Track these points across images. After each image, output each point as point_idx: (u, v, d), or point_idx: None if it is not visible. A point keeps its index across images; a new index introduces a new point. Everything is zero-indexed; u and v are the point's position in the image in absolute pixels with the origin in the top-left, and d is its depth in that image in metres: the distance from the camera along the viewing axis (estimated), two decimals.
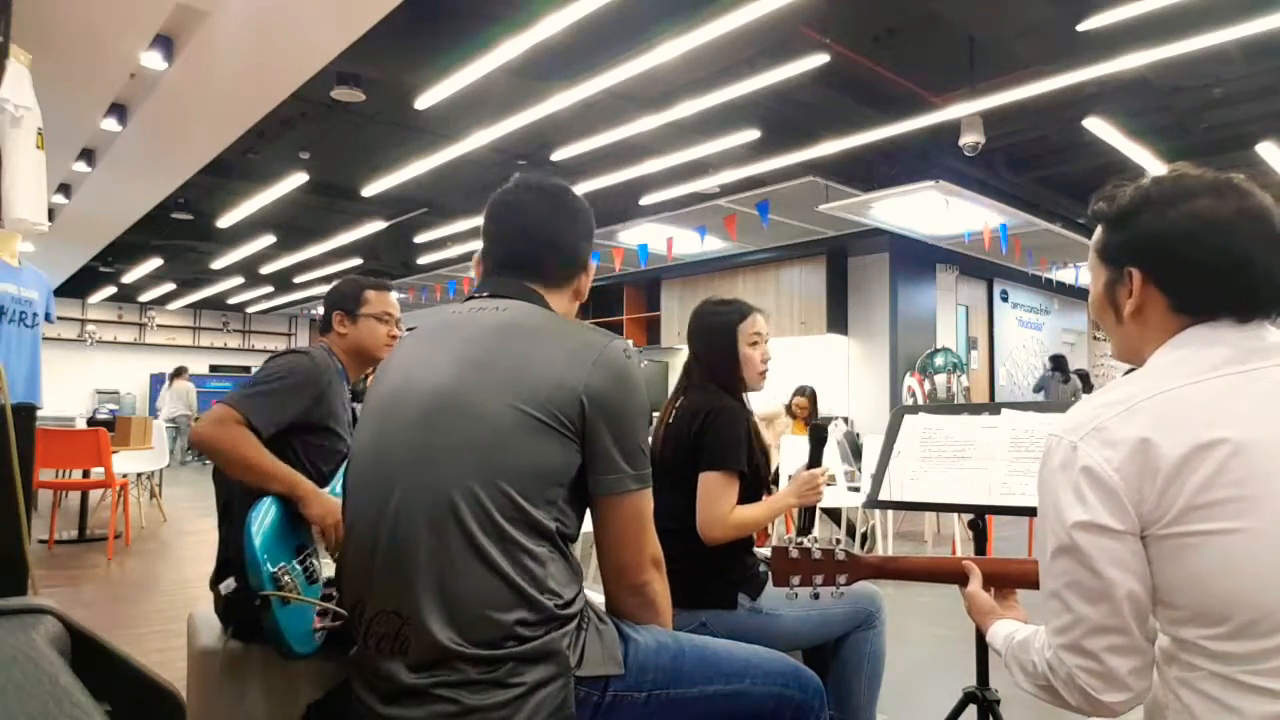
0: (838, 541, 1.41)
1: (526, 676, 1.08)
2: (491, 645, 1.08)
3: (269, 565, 1.50)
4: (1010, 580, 1.25)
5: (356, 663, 1.19)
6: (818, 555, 1.34)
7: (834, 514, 5.55)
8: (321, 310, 2.01)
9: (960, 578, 1.26)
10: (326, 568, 1.66)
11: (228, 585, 1.61)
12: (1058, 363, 9.77)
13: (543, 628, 1.10)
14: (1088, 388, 9.85)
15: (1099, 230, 1.04)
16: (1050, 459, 0.93)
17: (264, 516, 1.56)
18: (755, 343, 1.99)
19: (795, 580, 1.34)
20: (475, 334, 1.22)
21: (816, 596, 1.36)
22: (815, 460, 2.02)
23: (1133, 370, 0.99)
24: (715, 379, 1.97)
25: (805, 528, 2.03)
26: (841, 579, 1.35)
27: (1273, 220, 0.93)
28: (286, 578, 1.52)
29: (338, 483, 1.74)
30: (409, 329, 1.72)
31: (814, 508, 2.03)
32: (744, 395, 2.01)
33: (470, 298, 1.31)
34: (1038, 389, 10.02)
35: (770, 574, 1.39)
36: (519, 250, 1.31)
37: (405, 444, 1.16)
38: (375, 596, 1.14)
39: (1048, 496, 0.93)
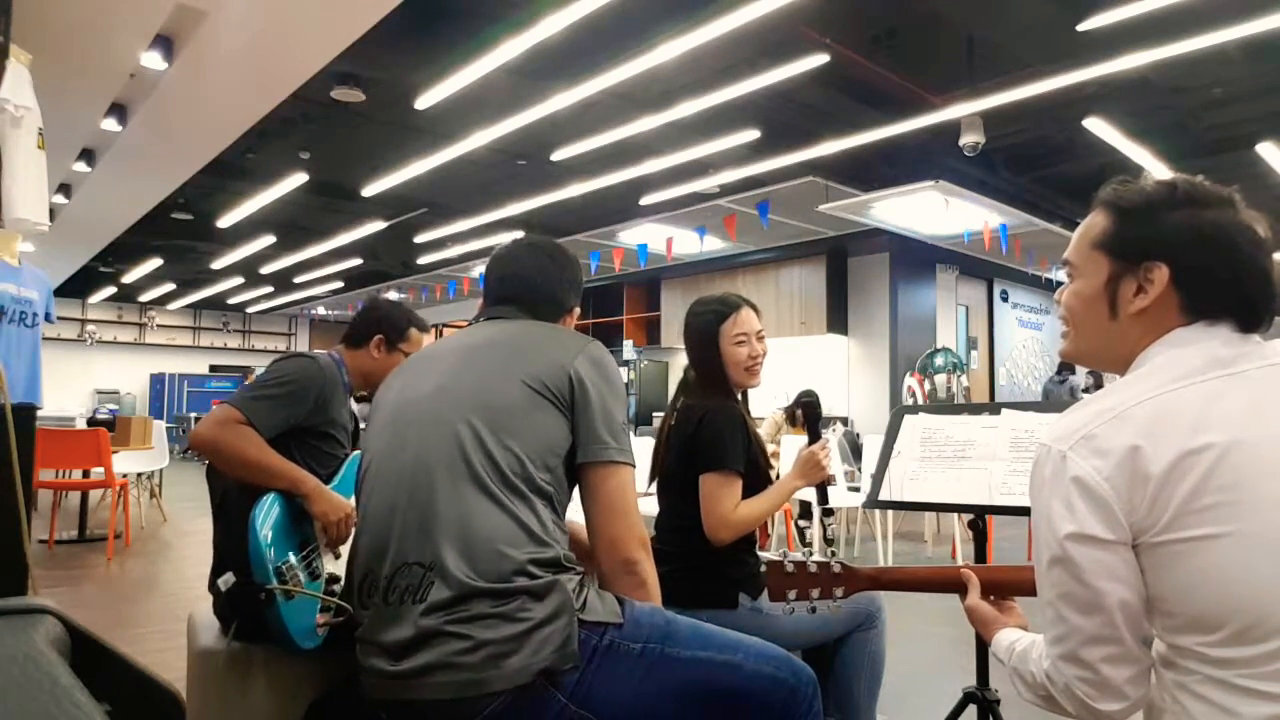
0: (833, 552, 1.40)
1: (534, 612, 1.15)
2: (504, 579, 1.16)
3: (273, 560, 1.51)
4: (1008, 588, 1.23)
5: (362, 637, 1.23)
6: (813, 569, 1.32)
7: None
8: (354, 321, 2.01)
9: (958, 588, 1.25)
10: (329, 566, 1.66)
11: (226, 580, 1.61)
12: (1063, 365, 9.70)
13: (551, 569, 1.20)
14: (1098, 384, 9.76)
15: (1107, 222, 1.00)
16: (1041, 468, 0.92)
17: (268, 511, 1.56)
18: (740, 342, 1.96)
19: (792, 595, 1.33)
20: (473, 340, 1.41)
21: (814, 611, 1.35)
22: (814, 436, 2.01)
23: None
24: (707, 381, 1.97)
25: (821, 499, 2.02)
26: (838, 592, 1.34)
27: (1265, 239, 0.95)
28: (290, 572, 1.52)
29: (335, 484, 1.75)
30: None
31: (824, 484, 2.00)
32: (738, 395, 2.00)
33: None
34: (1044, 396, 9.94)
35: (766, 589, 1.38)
36: (510, 288, 1.51)
37: (417, 415, 1.31)
38: (395, 553, 1.21)
39: (1040, 507, 0.92)
